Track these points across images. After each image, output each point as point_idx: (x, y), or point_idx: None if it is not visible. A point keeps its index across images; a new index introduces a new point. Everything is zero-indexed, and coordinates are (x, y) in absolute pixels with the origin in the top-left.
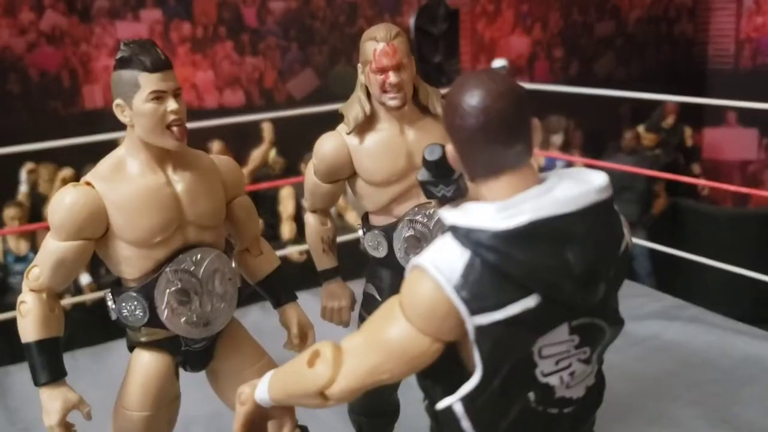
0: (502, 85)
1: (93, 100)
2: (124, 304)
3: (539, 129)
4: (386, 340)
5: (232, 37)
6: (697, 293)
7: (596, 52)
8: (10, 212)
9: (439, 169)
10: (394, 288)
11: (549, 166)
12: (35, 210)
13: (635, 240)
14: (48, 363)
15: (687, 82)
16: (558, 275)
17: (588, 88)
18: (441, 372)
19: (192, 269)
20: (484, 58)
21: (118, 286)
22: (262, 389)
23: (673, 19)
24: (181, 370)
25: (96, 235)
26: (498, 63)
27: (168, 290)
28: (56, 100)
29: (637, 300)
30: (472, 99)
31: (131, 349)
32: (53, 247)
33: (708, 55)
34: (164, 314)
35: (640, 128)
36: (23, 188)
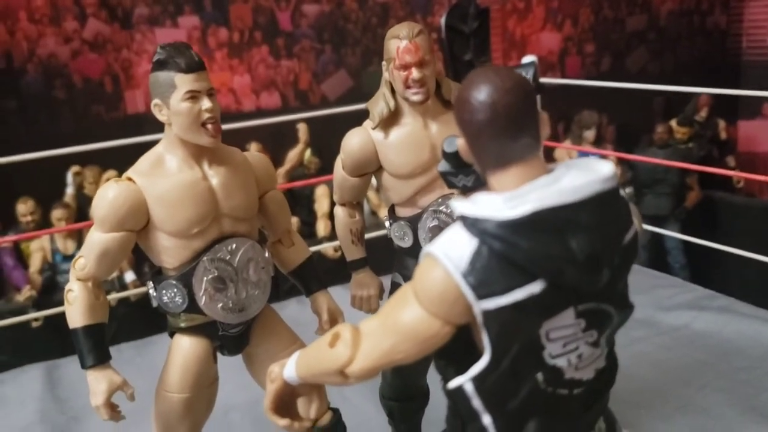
0: (509, 81)
1: (135, 105)
2: (164, 291)
3: (547, 122)
4: (400, 323)
5: (267, 41)
6: (730, 285)
7: (628, 46)
8: (57, 213)
9: (458, 160)
10: None
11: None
12: (81, 211)
13: (669, 233)
14: (94, 347)
15: (721, 74)
16: (561, 262)
17: (619, 83)
18: (454, 353)
19: (227, 258)
20: (515, 55)
21: (158, 275)
22: (290, 368)
23: (706, 11)
24: (219, 356)
25: (137, 227)
26: (527, 59)
27: (205, 278)
28: (99, 105)
29: (667, 291)
30: (480, 94)
31: (171, 334)
32: (97, 238)
33: (742, 47)
34: (202, 300)
35: (673, 122)
36: (69, 190)
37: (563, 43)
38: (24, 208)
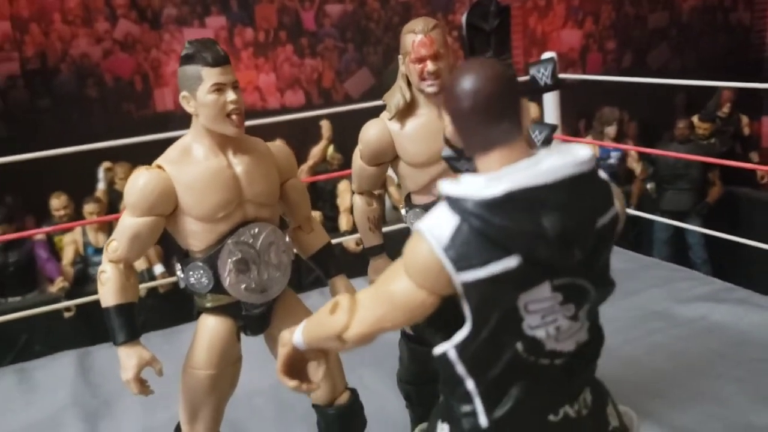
0: (490, 71)
1: (164, 103)
2: (191, 272)
3: (528, 109)
4: (390, 293)
5: (291, 41)
6: (752, 281)
7: (650, 43)
8: (89, 207)
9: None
10: None
11: (603, 155)
12: (112, 205)
13: (691, 228)
14: (125, 325)
15: (744, 71)
16: (533, 239)
17: (639, 78)
18: (441, 322)
19: (250, 241)
20: (536, 52)
21: (186, 257)
22: (298, 334)
23: (729, 8)
24: (244, 345)
25: (166, 212)
26: (546, 56)
27: (230, 260)
28: (130, 103)
29: (685, 283)
30: (464, 83)
31: (198, 315)
32: (129, 222)
33: (766, 43)
34: (226, 281)
35: (695, 118)
36: (101, 185)
37: (584, 40)
38: (57, 202)
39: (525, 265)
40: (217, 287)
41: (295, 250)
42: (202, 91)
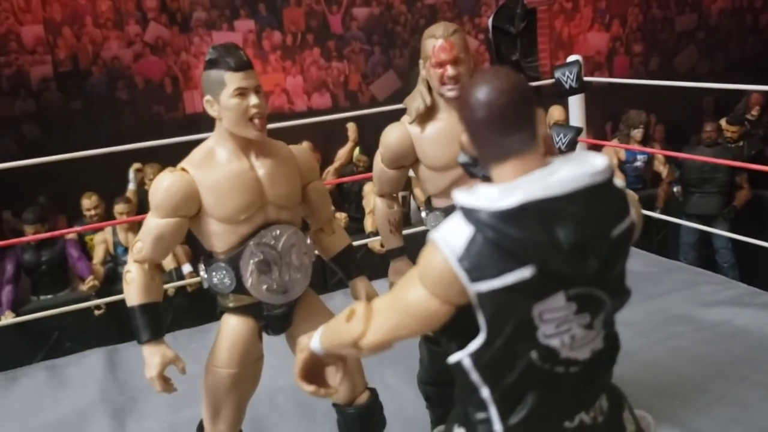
0: (505, 82)
1: (193, 105)
2: (214, 273)
3: (544, 119)
4: (405, 302)
5: (319, 44)
6: None
7: (677, 45)
8: (119, 207)
9: None
10: None
11: (630, 159)
12: (142, 206)
13: (718, 232)
14: (149, 324)
15: None
16: (548, 250)
17: (666, 81)
18: (455, 330)
19: (272, 243)
20: (563, 55)
21: (209, 258)
22: (316, 339)
23: (759, 10)
24: (267, 345)
25: (190, 214)
26: (571, 59)
27: (251, 261)
28: (160, 106)
29: (709, 287)
30: (478, 94)
31: (221, 314)
32: (153, 223)
33: None
34: (248, 282)
35: (723, 121)
36: (131, 186)
37: (611, 43)
38: (88, 202)
39: (539, 275)
40: (239, 288)
41: (316, 252)
42: (225, 96)
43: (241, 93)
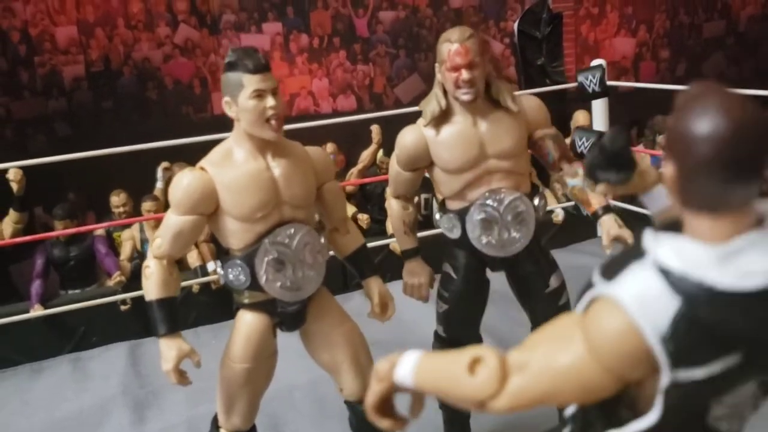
0: (746, 112)
1: (220, 106)
2: (230, 270)
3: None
4: (564, 369)
5: (345, 47)
6: None
7: (705, 52)
8: (147, 205)
9: (618, 157)
10: (468, 267)
11: (654, 164)
12: (169, 205)
13: None
14: (166, 318)
15: None
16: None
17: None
18: (612, 406)
19: (286, 241)
20: (588, 60)
21: (225, 255)
22: (406, 373)
23: None
24: (285, 345)
25: (208, 211)
26: (595, 63)
27: (266, 258)
28: (188, 106)
29: None
30: (712, 126)
31: (236, 310)
32: (173, 221)
33: None
34: (263, 279)
35: None
36: (159, 184)
37: (637, 49)
38: (117, 200)
39: (744, 364)
40: (254, 284)
41: (331, 252)
42: (243, 97)
43: (259, 95)
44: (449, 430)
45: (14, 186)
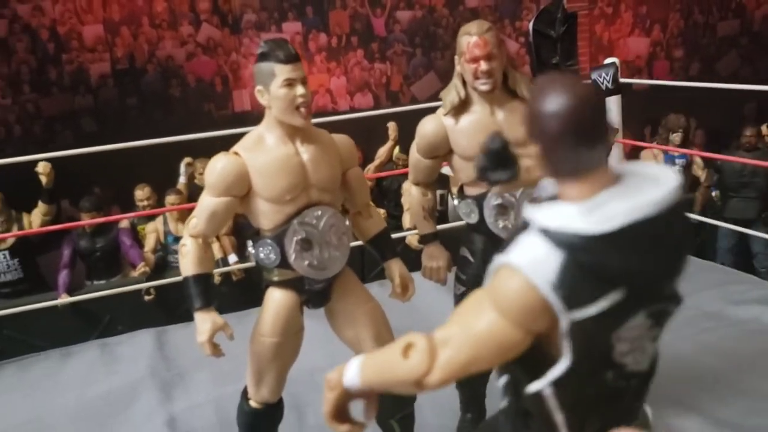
0: (582, 89)
1: (242, 104)
2: (261, 249)
3: (612, 130)
4: (480, 333)
5: (362, 46)
6: None
7: (719, 51)
8: (170, 199)
9: (499, 157)
10: (486, 251)
11: (667, 162)
12: (192, 198)
13: (757, 233)
14: (201, 293)
15: None
16: (648, 272)
17: (704, 83)
18: (530, 360)
19: (314, 222)
20: (602, 59)
21: (256, 235)
22: (352, 375)
23: None
24: (308, 332)
25: (241, 194)
26: (608, 61)
27: (295, 238)
28: (210, 104)
29: (739, 287)
30: (556, 103)
31: (266, 288)
32: (208, 202)
33: None
34: (291, 257)
35: (764, 127)
36: (182, 179)
37: (651, 48)
38: (141, 193)
39: (629, 296)
40: (283, 263)
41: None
42: (275, 86)
43: (290, 83)
44: (466, 411)
45: (43, 179)
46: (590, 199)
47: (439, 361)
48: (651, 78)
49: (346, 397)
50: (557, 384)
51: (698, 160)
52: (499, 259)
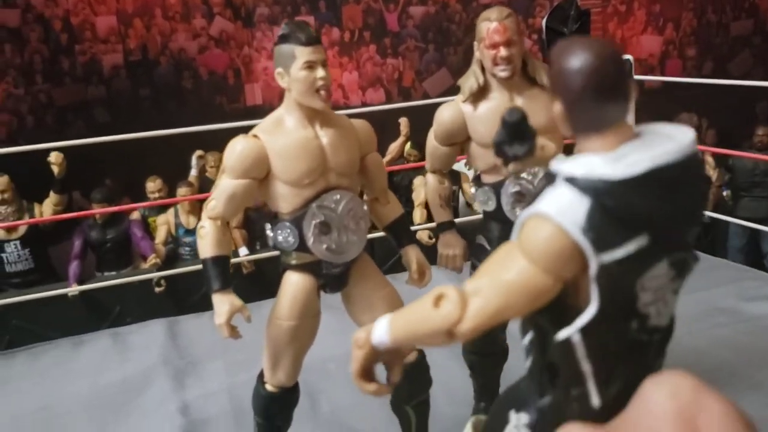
0: (603, 48)
1: (253, 97)
2: (279, 232)
3: (635, 89)
4: (512, 281)
5: (375, 41)
6: None
7: (732, 50)
8: (181, 191)
9: (517, 131)
10: (503, 239)
11: None
12: (203, 191)
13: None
14: (219, 274)
15: None
16: (669, 217)
17: (715, 80)
18: (560, 308)
19: (332, 206)
20: None
21: (275, 218)
22: (381, 332)
23: None
24: (323, 323)
25: (260, 176)
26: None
27: (313, 222)
28: (222, 97)
29: (753, 283)
30: (579, 62)
31: (284, 271)
32: (226, 184)
33: None
34: (309, 241)
35: None
36: (193, 172)
37: (664, 46)
38: (152, 185)
39: (653, 242)
40: (302, 246)
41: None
42: (295, 68)
43: (310, 66)
44: (479, 400)
45: (55, 169)
46: (613, 151)
47: (470, 309)
48: (664, 76)
49: (373, 355)
50: (585, 331)
51: (709, 159)
52: (525, 212)
